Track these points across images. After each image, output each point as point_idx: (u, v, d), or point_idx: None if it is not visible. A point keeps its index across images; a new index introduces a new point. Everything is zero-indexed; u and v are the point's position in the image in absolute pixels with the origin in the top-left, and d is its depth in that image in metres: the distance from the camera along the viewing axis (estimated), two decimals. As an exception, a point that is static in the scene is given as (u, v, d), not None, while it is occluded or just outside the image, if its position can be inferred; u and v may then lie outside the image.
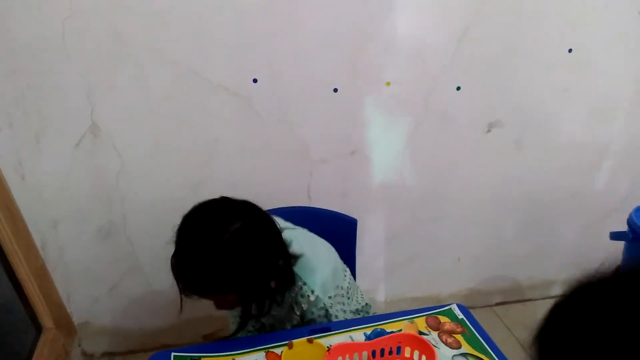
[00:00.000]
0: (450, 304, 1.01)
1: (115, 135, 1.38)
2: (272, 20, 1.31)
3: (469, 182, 1.69)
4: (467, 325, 0.95)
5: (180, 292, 0.89)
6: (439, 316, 0.98)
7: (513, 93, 1.57)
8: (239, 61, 1.34)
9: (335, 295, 1.00)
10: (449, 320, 0.97)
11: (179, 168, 1.45)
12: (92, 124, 1.35)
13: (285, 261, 0.94)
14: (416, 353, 0.76)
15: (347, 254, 1.32)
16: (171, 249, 1.62)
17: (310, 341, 0.81)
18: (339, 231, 1.32)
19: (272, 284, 0.92)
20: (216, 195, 1.51)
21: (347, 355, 0.75)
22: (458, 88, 1.52)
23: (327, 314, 0.98)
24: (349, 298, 1.08)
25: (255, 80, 1.37)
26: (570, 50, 1.54)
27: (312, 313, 0.97)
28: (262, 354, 0.89)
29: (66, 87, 1.30)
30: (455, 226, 1.76)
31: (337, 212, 1.33)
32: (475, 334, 0.93)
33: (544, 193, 1.77)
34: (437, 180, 1.66)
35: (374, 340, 0.77)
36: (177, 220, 1.54)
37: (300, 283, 0.96)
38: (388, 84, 1.46)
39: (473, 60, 1.48)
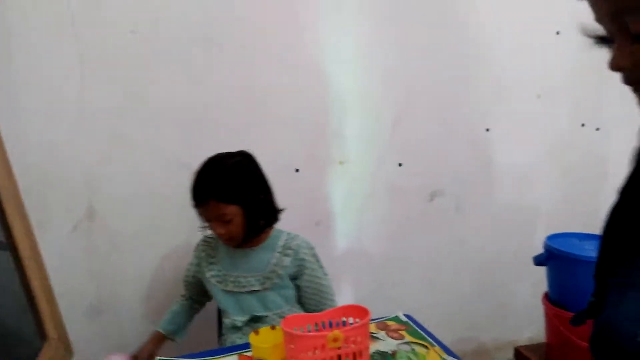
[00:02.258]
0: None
1: (109, 218, 1.59)
2: (243, 113, 1.63)
3: (421, 248, 1.91)
4: (410, 324, 1.13)
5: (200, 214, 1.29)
6: (386, 321, 1.16)
7: (447, 166, 1.88)
8: (216, 148, 1.60)
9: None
10: (395, 323, 1.14)
11: (164, 246, 1.64)
12: (89, 209, 1.57)
13: (272, 199, 1.36)
14: (357, 320, 0.93)
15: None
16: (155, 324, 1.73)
17: (273, 328, 0.98)
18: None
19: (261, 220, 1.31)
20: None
21: (301, 325, 0.92)
22: (400, 164, 1.82)
23: (314, 254, 1.29)
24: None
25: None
26: (487, 130, 1.90)
27: (305, 254, 1.28)
28: (235, 357, 1.04)
29: (69, 178, 1.53)
30: (416, 290, 1.94)
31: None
32: (416, 329, 1.10)
33: (489, 254, 1.99)
34: (393, 247, 1.88)
35: (323, 312, 0.95)
36: (162, 296, 1.69)
37: (284, 235, 1.35)
38: (341, 162, 1.76)
39: (408, 140, 1.81)
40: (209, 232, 1.40)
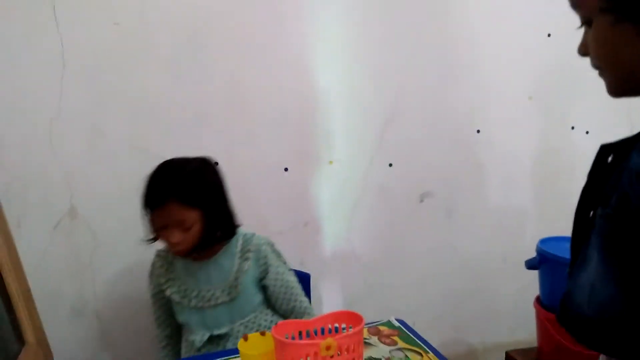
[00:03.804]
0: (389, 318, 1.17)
1: (91, 217, 1.54)
2: (228, 111, 1.59)
3: (410, 250, 1.89)
4: (403, 330, 1.10)
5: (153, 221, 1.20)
6: (378, 326, 1.13)
7: (437, 168, 1.85)
8: (202, 147, 1.57)
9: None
10: (387, 328, 1.12)
11: (147, 247, 1.59)
12: (70, 207, 1.52)
13: (232, 211, 1.29)
14: (350, 327, 0.91)
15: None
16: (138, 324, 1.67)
17: (262, 334, 0.94)
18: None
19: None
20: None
21: (292, 331, 0.89)
22: (390, 164, 1.80)
23: (275, 250, 1.25)
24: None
25: (216, 164, 1.60)
26: (478, 131, 1.88)
27: (266, 251, 1.24)
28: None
29: (49, 176, 1.48)
30: (405, 291, 1.92)
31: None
32: (409, 334, 1.08)
33: (478, 257, 1.98)
34: (382, 248, 1.85)
35: (314, 319, 0.92)
36: (145, 296, 1.65)
37: (240, 237, 1.29)
38: (331, 162, 1.73)
39: (399, 141, 1.79)
40: (159, 247, 1.32)
